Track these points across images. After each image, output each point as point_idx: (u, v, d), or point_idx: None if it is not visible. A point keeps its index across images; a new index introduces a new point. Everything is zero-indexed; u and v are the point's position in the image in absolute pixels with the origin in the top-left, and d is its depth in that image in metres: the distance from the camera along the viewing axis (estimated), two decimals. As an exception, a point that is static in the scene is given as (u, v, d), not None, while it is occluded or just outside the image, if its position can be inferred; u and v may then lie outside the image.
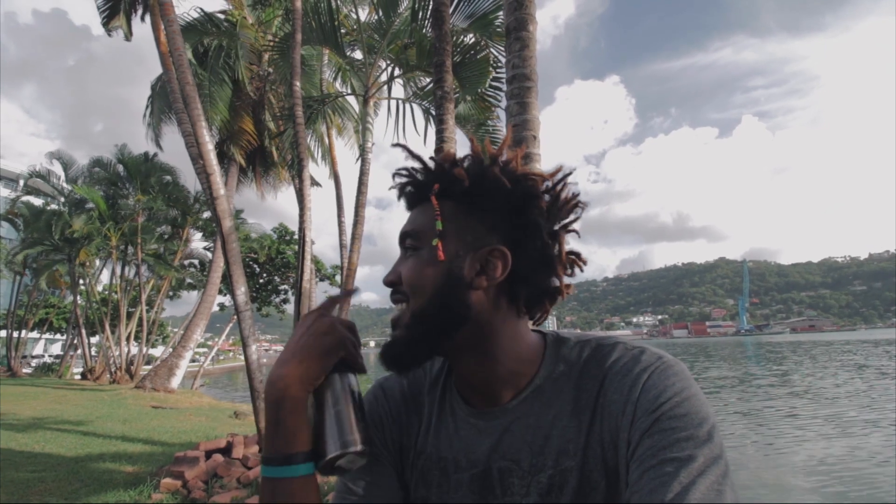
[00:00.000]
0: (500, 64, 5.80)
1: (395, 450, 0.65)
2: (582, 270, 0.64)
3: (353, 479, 0.62)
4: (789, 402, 13.44)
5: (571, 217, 0.63)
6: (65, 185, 18.22)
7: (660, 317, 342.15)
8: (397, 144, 0.67)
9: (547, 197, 0.61)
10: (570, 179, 0.62)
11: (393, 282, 0.61)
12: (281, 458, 0.52)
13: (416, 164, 0.64)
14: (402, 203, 0.66)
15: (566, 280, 0.63)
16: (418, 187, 0.63)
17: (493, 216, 0.59)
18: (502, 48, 5.16)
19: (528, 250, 0.58)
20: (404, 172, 0.64)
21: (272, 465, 0.53)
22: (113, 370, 18.25)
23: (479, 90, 5.92)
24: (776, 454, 7.64)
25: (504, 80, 2.34)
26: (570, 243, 0.63)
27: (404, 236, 0.62)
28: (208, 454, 4.69)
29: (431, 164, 0.63)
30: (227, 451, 4.89)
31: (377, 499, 0.61)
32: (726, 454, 0.48)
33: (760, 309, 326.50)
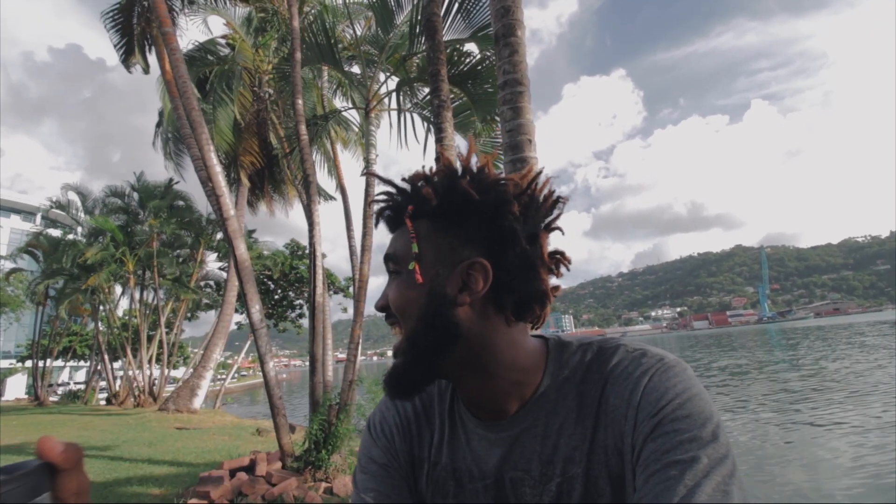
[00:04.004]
0: None
1: (406, 460, 0.66)
2: (567, 269, 0.63)
3: (365, 490, 0.63)
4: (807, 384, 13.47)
5: (553, 215, 0.62)
6: (82, 215, 18.70)
7: (679, 309, 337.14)
8: (368, 173, 0.69)
9: (523, 200, 0.59)
10: (547, 179, 0.62)
11: (383, 306, 0.60)
12: None
13: (391, 189, 0.64)
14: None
15: (554, 281, 0.62)
16: (394, 211, 0.62)
17: (467, 229, 0.58)
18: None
19: (507, 257, 0.57)
20: (380, 198, 0.64)
21: None
22: (136, 394, 18.55)
23: (493, 112, 5.84)
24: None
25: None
26: (552, 244, 0.63)
27: (386, 259, 0.61)
28: (232, 473, 4.74)
29: (404, 186, 0.62)
30: (250, 468, 4.94)
31: None
32: (733, 452, 0.47)
33: (782, 295, 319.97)
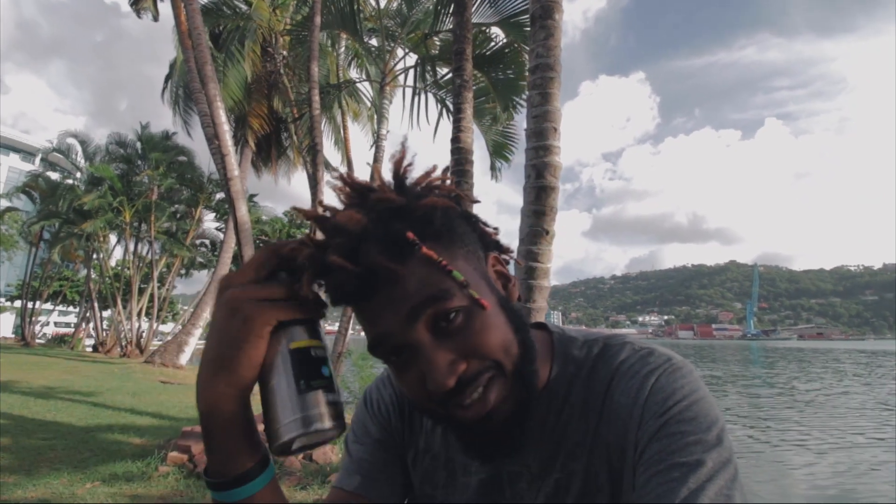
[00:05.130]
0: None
1: (400, 439, 0.65)
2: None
3: (358, 460, 0.63)
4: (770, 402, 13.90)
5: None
6: (82, 161, 18.51)
7: (666, 317, 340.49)
8: (298, 212, 0.52)
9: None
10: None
11: (467, 372, 0.47)
12: (230, 480, 0.44)
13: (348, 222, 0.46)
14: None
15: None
16: (388, 248, 0.45)
17: (462, 235, 0.51)
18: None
19: (491, 247, 0.56)
20: (340, 263, 0.44)
21: (222, 489, 0.44)
22: (123, 344, 18.62)
23: (513, 100, 5.75)
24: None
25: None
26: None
27: (419, 309, 0.45)
28: (215, 430, 4.77)
29: (373, 220, 0.46)
30: (233, 428, 4.98)
31: (380, 480, 0.62)
32: (735, 458, 0.47)
33: (768, 314, 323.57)
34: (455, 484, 0.60)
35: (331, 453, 4.90)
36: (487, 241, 0.55)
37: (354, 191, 0.49)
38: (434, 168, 0.53)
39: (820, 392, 16.36)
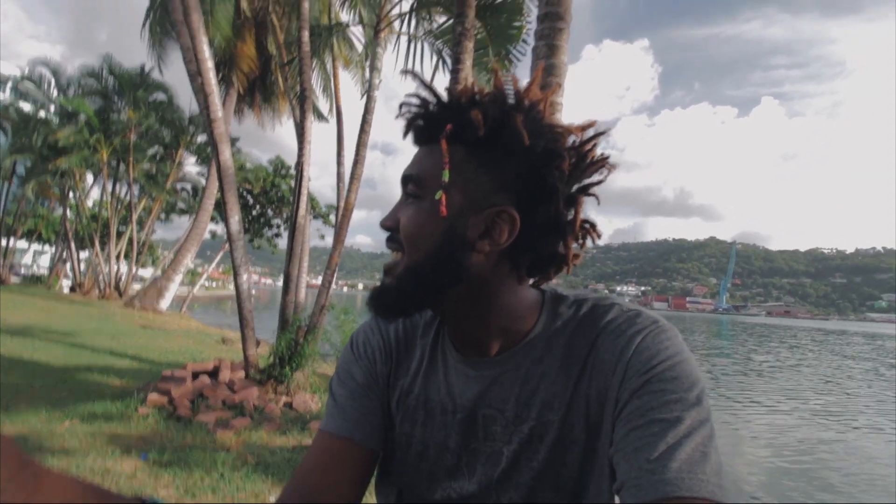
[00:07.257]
0: (530, 20, 5.39)
1: (384, 383, 0.66)
2: (594, 242, 0.60)
3: (341, 404, 0.63)
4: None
5: (594, 179, 0.58)
6: (55, 93, 17.49)
7: (643, 288, 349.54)
8: (408, 71, 0.61)
9: (574, 155, 0.55)
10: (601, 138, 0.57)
11: (390, 227, 0.57)
12: None
13: (430, 97, 0.57)
14: (410, 137, 0.60)
15: (575, 249, 0.59)
16: (429, 124, 0.56)
17: (507, 172, 0.53)
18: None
19: (539, 215, 0.54)
20: (416, 102, 0.57)
21: None
22: (102, 287, 18.37)
23: (509, 47, 5.49)
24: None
25: (532, 33, 2.14)
26: (587, 211, 0.58)
27: (406, 179, 0.56)
28: (195, 375, 4.80)
29: (446, 100, 0.56)
30: (213, 374, 5.02)
31: (364, 423, 0.63)
32: (713, 419, 0.49)
33: (741, 290, 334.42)
34: (433, 423, 0.62)
35: (310, 402, 5.00)
36: (527, 204, 0.54)
37: (470, 89, 0.57)
38: (593, 123, 0.56)
39: (772, 364, 17.61)
